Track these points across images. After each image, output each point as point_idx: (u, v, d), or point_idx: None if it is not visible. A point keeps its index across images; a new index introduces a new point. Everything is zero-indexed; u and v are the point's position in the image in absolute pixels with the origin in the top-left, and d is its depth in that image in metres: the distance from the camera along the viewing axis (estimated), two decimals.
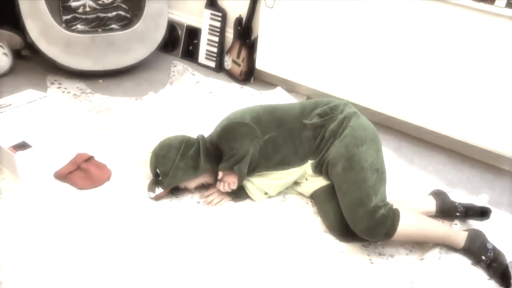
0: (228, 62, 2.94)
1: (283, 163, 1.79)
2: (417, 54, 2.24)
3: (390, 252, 1.69)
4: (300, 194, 1.94)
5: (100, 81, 2.74)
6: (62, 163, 1.94)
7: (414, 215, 1.66)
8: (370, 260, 1.64)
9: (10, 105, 2.10)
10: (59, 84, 2.65)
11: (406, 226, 1.59)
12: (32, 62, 2.83)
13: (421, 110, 2.32)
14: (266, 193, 1.88)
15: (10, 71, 2.70)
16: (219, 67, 3.01)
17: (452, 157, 2.35)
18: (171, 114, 2.44)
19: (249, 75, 2.89)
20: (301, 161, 1.80)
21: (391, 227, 1.58)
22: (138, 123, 2.33)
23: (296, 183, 1.91)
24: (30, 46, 2.70)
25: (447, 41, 2.14)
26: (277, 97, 2.69)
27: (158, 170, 1.79)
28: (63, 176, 1.89)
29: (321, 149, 1.77)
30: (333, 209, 1.73)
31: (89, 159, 1.99)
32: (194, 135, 1.90)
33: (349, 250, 1.68)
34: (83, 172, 1.92)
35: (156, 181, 1.81)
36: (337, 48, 2.46)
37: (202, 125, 2.23)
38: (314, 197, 1.88)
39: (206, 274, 1.51)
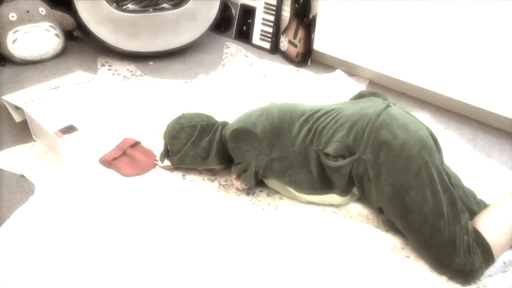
0: (284, 43, 2.83)
1: (296, 186, 1.64)
2: (493, 33, 2.01)
3: None
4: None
5: (151, 63, 2.72)
6: (108, 148, 1.93)
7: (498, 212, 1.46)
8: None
9: (58, 87, 2.11)
10: (110, 66, 2.65)
11: (498, 234, 1.41)
12: (84, 43, 2.86)
13: (499, 95, 2.10)
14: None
15: (62, 53, 2.73)
16: (274, 49, 2.91)
17: None
18: (223, 98, 2.36)
19: (307, 57, 2.77)
20: (327, 190, 1.62)
21: (486, 259, 1.40)
22: (187, 107, 2.25)
23: None
24: (82, 27, 2.70)
25: None
26: (337, 81, 2.55)
27: (168, 147, 1.79)
28: (108, 162, 1.86)
29: (361, 189, 1.57)
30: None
31: (136, 144, 1.96)
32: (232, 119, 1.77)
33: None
34: (128, 158, 1.89)
35: (167, 153, 1.81)
36: (404, 26, 2.28)
37: None
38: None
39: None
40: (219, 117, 1.92)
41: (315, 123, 1.60)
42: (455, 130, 2.23)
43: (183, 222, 1.62)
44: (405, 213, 1.43)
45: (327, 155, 1.54)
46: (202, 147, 1.73)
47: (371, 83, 2.62)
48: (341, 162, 1.51)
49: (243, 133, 1.59)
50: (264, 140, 1.59)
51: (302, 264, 1.47)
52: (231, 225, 1.61)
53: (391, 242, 1.55)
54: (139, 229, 1.58)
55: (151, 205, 1.68)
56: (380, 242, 1.55)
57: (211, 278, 1.41)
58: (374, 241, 1.55)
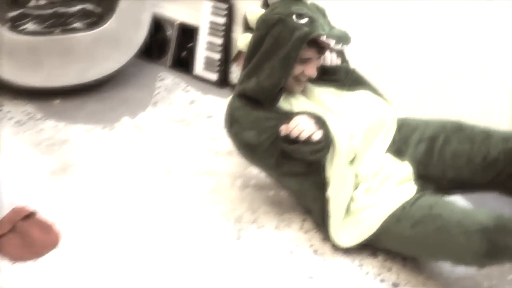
0: (235, 74, 2.79)
1: None
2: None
3: None
4: None
5: (57, 101, 2.67)
6: None
7: None
8: None
9: None
10: None
11: None
12: None
13: None
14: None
15: None
16: (223, 81, 2.88)
17: None
18: (153, 149, 2.31)
19: None
20: None
21: None
22: (105, 162, 2.23)
23: None
24: None
25: None
26: None
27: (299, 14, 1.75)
28: None
29: None
30: None
31: (30, 216, 1.86)
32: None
33: None
34: (19, 235, 1.80)
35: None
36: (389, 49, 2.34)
37: (198, 163, 2.20)
38: None
39: None
40: None
41: None
42: None
43: None
44: None
45: None
46: None
47: None
48: None
49: None
50: None
51: None
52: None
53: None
54: None
55: None
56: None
57: None
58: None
